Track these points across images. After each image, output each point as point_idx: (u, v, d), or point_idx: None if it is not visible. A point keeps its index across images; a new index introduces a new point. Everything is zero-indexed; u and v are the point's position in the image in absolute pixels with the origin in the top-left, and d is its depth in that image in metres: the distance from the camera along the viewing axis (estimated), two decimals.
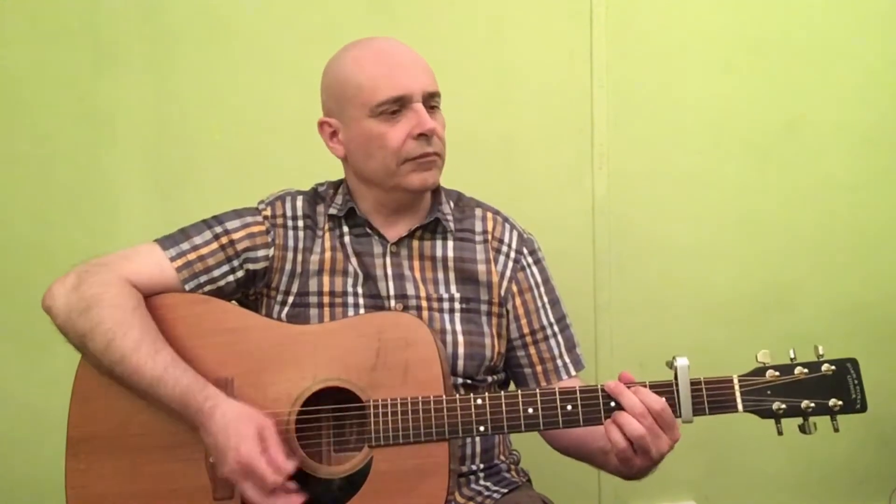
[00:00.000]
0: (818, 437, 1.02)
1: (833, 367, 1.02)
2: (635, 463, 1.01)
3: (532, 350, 1.25)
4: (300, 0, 1.82)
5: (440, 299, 1.20)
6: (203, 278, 1.15)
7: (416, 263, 1.22)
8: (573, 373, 1.26)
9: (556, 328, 1.26)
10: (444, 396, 1.04)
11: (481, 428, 1.03)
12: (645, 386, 1.02)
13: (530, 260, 1.28)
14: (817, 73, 1.90)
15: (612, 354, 1.89)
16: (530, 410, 1.03)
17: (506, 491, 1.20)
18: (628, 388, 1.02)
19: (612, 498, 1.90)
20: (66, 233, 1.78)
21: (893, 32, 1.91)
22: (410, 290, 1.19)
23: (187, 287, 1.14)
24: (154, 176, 1.81)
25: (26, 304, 1.74)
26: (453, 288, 1.21)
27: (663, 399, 1.00)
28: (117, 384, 1.06)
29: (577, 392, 1.03)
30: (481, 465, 1.20)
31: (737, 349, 1.89)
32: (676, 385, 1.02)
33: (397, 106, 1.14)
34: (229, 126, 1.82)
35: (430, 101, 1.17)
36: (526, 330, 1.25)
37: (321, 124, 1.23)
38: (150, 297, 1.11)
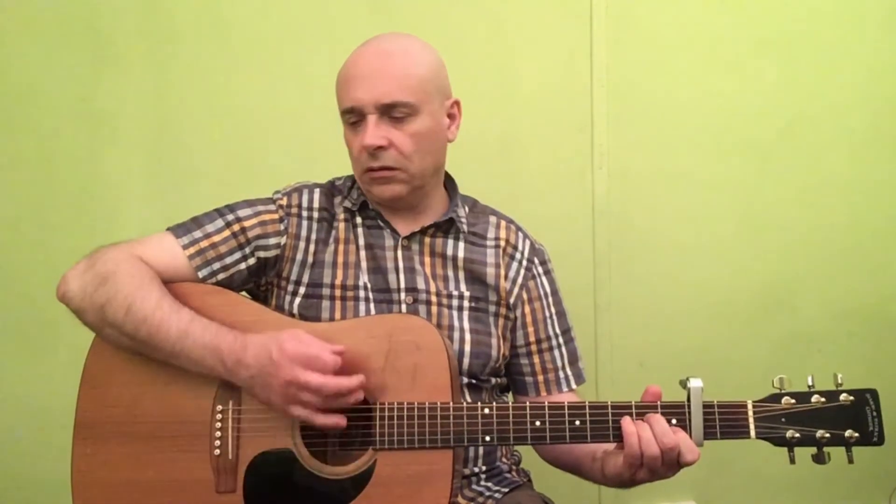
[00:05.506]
0: None
1: (851, 398, 1.00)
2: (639, 475, 1.01)
3: (536, 359, 1.26)
4: (300, 0, 1.82)
5: (450, 296, 1.20)
6: (216, 265, 1.15)
7: (427, 259, 1.22)
8: (573, 385, 1.27)
9: (560, 339, 1.27)
10: (451, 403, 1.03)
11: (487, 437, 1.03)
12: (656, 410, 1.01)
13: (541, 270, 1.28)
14: (817, 73, 1.90)
15: (612, 354, 1.89)
16: (538, 423, 1.03)
17: (507, 490, 1.21)
18: (642, 419, 1.00)
19: (611, 497, 1.91)
20: (66, 232, 1.78)
21: (893, 32, 1.91)
22: (421, 284, 1.19)
23: (200, 274, 1.14)
24: (154, 176, 1.81)
25: (27, 304, 1.76)
26: (463, 286, 1.22)
27: (678, 439, 0.97)
28: (123, 371, 1.07)
29: (587, 407, 1.02)
30: (483, 468, 1.20)
31: (737, 349, 1.89)
32: (689, 407, 1.00)
33: (355, 117, 1.15)
34: (229, 126, 1.82)
35: (391, 111, 1.13)
36: (532, 339, 1.25)
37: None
38: (163, 283, 1.10)
